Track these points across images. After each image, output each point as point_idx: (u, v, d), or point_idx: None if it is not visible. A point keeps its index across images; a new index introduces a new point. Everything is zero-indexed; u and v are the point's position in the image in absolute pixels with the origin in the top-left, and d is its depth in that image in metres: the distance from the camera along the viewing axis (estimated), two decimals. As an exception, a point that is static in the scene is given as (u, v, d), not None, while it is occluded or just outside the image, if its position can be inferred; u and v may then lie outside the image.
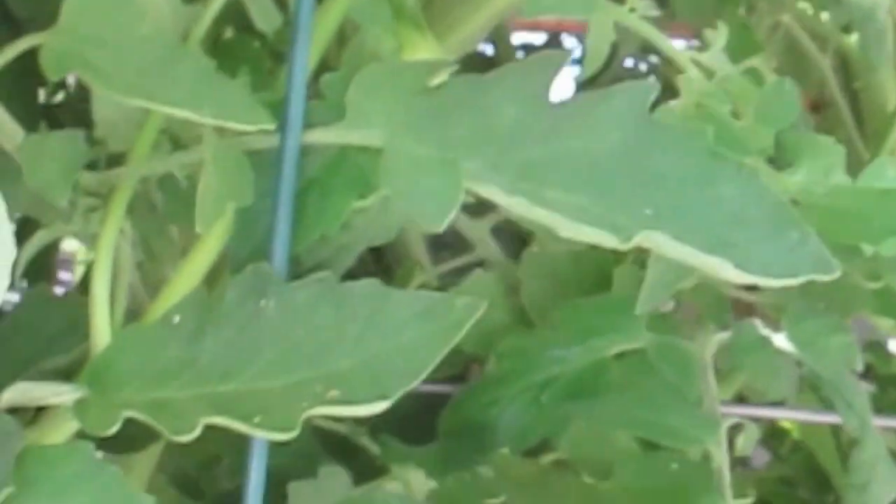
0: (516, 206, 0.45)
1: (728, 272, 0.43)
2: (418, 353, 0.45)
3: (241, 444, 0.64)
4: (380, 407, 0.44)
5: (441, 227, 0.44)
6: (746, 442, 0.55)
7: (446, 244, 0.76)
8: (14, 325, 0.60)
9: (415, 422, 0.66)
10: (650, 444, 0.61)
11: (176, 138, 0.54)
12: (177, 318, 0.49)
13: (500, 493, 0.57)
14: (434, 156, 0.46)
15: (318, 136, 0.49)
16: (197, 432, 0.45)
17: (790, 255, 0.43)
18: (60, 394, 0.49)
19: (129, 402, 0.47)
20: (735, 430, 0.57)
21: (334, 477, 0.61)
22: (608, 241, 0.43)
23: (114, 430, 0.46)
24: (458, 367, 0.67)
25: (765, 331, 0.57)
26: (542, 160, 0.46)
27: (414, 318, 0.46)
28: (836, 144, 0.53)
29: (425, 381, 0.66)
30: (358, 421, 0.65)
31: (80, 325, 0.58)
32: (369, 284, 0.47)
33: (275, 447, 0.49)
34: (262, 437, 0.47)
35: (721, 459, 0.52)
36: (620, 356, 0.58)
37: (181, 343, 0.49)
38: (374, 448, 0.63)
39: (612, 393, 0.56)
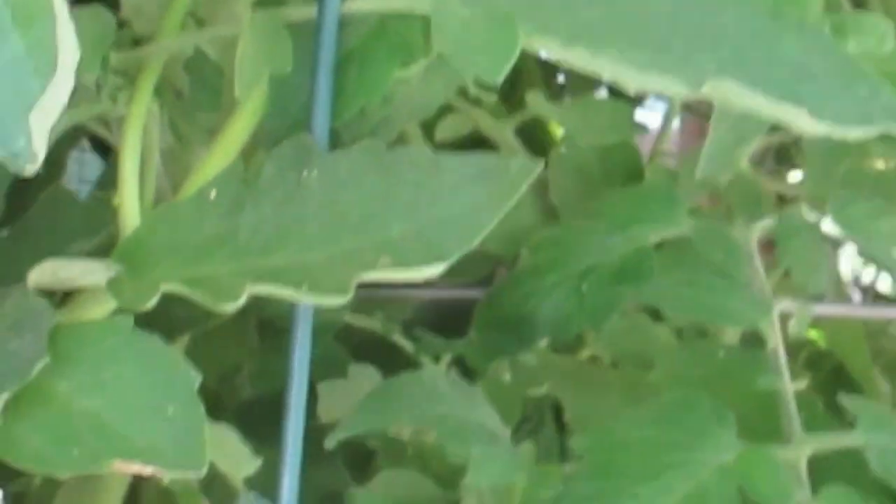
0: (576, 58, 0.43)
1: (802, 120, 0.41)
2: (475, 216, 0.43)
3: (263, 347, 0.63)
4: (436, 269, 0.42)
5: (499, 79, 0.42)
6: (800, 324, 0.54)
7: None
8: (31, 224, 0.58)
9: (442, 329, 0.65)
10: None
11: (202, 22, 0.52)
12: (213, 194, 0.47)
13: (542, 382, 0.56)
14: (486, 15, 0.44)
15: (358, 5, 0.47)
16: (241, 301, 0.43)
17: (862, 106, 0.42)
18: (91, 272, 0.47)
19: (167, 278, 0.45)
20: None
21: (364, 376, 0.59)
22: (677, 88, 0.41)
23: (152, 303, 0.44)
24: (485, 271, 0.65)
25: (811, 215, 0.55)
26: (596, 22, 0.44)
27: (468, 182, 0.44)
28: (884, 18, 0.52)
29: (450, 286, 0.65)
30: (390, 319, 0.63)
31: (100, 223, 0.57)
32: (418, 150, 0.45)
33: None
34: (310, 302, 0.45)
35: (776, 341, 0.50)
36: (660, 247, 0.56)
37: (219, 218, 0.47)
38: (407, 346, 0.61)
39: (657, 278, 0.54)
